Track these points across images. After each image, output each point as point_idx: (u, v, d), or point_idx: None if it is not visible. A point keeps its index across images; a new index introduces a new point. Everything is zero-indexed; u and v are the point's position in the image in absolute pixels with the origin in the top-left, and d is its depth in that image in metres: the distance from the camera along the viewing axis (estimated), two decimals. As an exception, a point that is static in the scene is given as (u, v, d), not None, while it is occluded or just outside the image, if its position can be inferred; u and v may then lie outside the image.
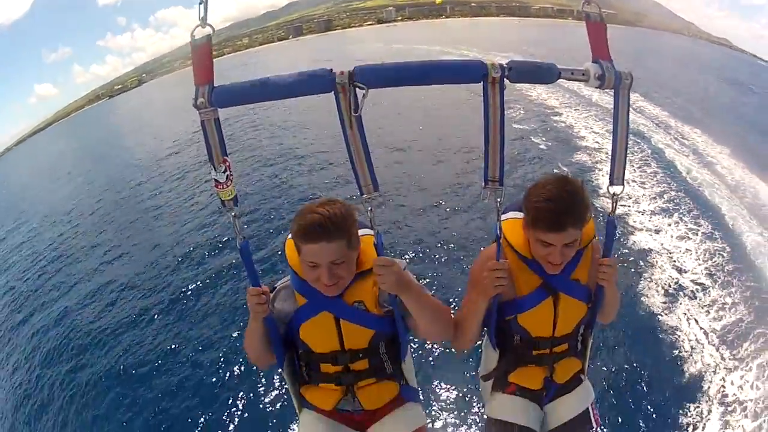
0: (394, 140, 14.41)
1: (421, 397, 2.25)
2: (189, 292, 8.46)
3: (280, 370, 2.09)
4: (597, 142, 14.26)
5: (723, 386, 5.67)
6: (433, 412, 5.23)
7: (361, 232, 1.90)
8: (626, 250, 8.46)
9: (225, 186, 1.72)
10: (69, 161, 32.07)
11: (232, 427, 5.67)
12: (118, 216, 14.18)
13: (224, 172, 1.71)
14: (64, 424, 6.38)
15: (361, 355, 1.95)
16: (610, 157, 1.86)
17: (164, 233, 11.61)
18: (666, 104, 19.76)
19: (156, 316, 8.09)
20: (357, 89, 1.59)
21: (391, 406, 2.07)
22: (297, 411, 2.16)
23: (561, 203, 1.74)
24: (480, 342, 2.28)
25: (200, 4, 1.60)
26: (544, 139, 14.10)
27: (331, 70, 1.60)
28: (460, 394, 5.41)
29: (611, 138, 1.85)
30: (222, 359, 6.64)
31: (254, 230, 9.76)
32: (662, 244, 8.88)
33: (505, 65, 1.63)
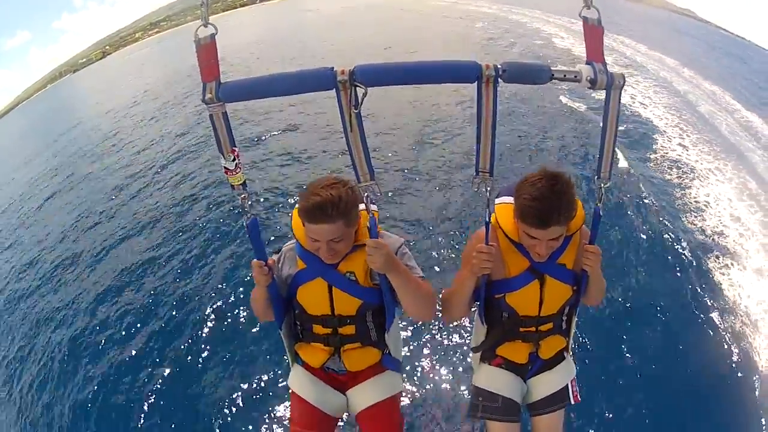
0: (391, 127, 14.52)
1: (401, 367, 2.47)
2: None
3: (279, 331, 2.31)
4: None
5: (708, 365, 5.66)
6: (422, 380, 5.47)
7: (361, 207, 2.04)
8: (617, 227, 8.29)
9: (234, 173, 1.88)
10: (40, 137, 29.77)
11: (231, 379, 5.91)
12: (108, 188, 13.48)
13: (233, 160, 1.84)
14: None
15: (348, 320, 2.18)
16: (598, 152, 1.95)
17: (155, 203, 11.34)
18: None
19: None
20: (357, 88, 1.67)
21: (371, 372, 2.32)
22: (291, 365, 2.43)
23: (546, 203, 1.83)
24: (471, 317, 2.45)
25: (202, 5, 1.64)
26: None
27: (333, 68, 1.67)
28: (450, 365, 5.62)
29: (600, 135, 1.93)
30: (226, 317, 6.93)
31: (259, 211, 9.84)
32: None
33: (499, 66, 1.71)
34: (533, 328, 2.26)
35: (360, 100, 1.69)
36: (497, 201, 2.15)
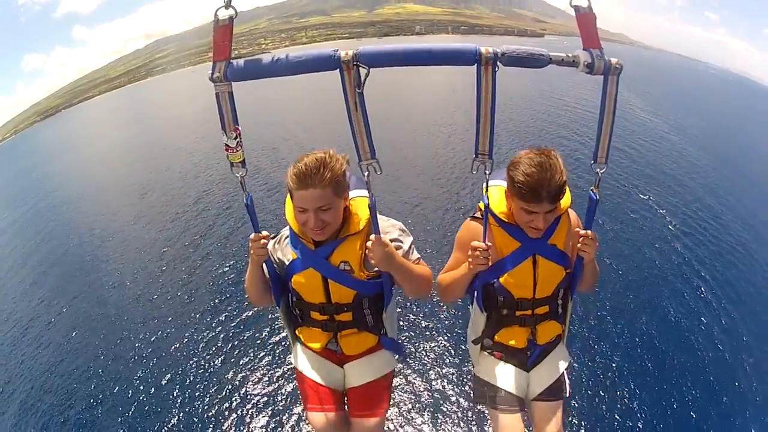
0: (396, 118, 15.02)
1: (400, 346, 2.45)
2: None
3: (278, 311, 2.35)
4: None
5: (701, 362, 5.93)
6: (419, 365, 5.63)
7: (355, 193, 2.12)
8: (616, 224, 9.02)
9: (235, 150, 1.90)
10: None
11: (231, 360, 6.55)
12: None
13: (235, 138, 1.88)
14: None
15: (345, 308, 2.18)
16: (595, 137, 1.96)
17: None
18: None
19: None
20: (360, 68, 1.71)
21: (368, 353, 2.32)
22: (291, 343, 2.43)
23: (544, 174, 1.91)
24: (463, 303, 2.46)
25: None
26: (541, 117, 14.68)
27: (337, 50, 1.72)
28: (447, 350, 5.80)
29: (597, 119, 1.94)
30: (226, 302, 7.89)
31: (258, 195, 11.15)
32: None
33: (498, 50, 1.75)
34: (529, 312, 2.27)
35: (363, 80, 1.73)
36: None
